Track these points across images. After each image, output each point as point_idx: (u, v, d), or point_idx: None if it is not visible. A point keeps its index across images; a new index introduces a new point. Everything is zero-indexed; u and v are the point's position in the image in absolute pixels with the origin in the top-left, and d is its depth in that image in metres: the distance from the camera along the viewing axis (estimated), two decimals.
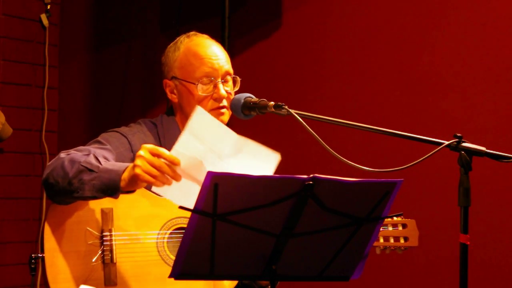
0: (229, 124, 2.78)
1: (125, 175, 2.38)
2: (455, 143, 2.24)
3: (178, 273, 2.08)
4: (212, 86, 2.75)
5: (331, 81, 4.09)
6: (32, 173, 4.73)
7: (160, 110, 4.46)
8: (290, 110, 2.45)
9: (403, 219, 2.89)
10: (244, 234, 2.08)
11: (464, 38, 3.76)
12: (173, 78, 2.80)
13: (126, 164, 2.42)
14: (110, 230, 2.58)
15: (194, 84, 2.75)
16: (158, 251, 2.61)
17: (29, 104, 4.75)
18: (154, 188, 2.34)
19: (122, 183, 2.39)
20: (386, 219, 2.86)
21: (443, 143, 2.26)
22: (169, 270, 2.10)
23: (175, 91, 2.80)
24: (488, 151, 2.24)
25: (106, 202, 2.56)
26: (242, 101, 2.59)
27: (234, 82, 2.80)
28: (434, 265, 3.77)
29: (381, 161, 3.80)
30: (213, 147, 2.27)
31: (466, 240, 2.17)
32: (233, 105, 2.62)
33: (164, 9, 4.65)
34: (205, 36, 2.85)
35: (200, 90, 2.74)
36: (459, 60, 3.77)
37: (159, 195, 2.55)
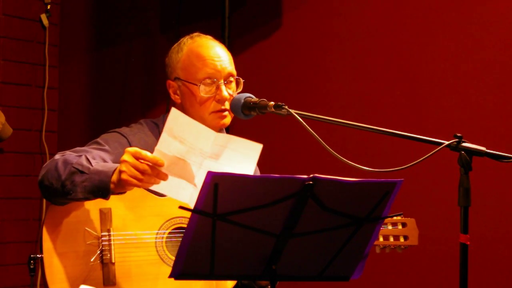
0: (229, 124, 2.79)
1: (114, 178, 2.39)
2: (455, 143, 2.24)
3: (178, 273, 2.08)
4: (214, 87, 2.74)
5: (331, 81, 4.09)
6: (32, 173, 4.73)
7: (160, 110, 4.46)
8: (290, 110, 2.44)
9: (403, 218, 2.89)
10: (244, 234, 2.08)
11: (464, 38, 3.76)
12: (176, 79, 2.79)
13: (116, 165, 2.42)
14: (108, 230, 2.58)
15: (196, 85, 2.73)
16: (157, 251, 2.61)
17: (29, 104, 4.75)
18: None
19: (112, 186, 2.40)
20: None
21: (443, 143, 2.26)
22: (168, 270, 2.10)
23: (178, 92, 2.80)
24: (488, 151, 2.24)
25: (104, 202, 2.56)
26: (242, 101, 2.58)
27: (237, 84, 2.79)
28: (434, 265, 3.77)
29: (381, 161, 3.80)
30: (194, 146, 2.28)
31: (466, 240, 2.16)
32: (233, 105, 2.61)
33: (164, 9, 4.65)
34: (209, 37, 2.84)
35: (203, 91, 2.73)
36: (459, 60, 3.77)
37: (157, 194, 2.56)
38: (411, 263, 3.79)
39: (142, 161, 2.31)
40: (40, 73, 4.81)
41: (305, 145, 4.00)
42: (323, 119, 2.45)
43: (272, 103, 2.50)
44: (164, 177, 2.31)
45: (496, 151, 2.25)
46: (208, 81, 2.73)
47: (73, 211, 2.58)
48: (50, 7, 4.81)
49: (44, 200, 4.72)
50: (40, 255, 2.57)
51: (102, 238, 2.58)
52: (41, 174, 2.55)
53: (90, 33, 4.93)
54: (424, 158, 2.27)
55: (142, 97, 4.72)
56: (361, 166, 2.32)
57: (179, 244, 2.07)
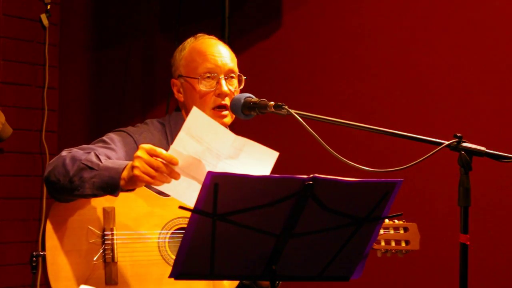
0: (229, 124, 2.79)
1: (125, 174, 2.39)
2: (455, 143, 2.24)
3: (178, 273, 2.08)
4: (215, 82, 2.76)
5: (331, 81, 4.09)
6: (32, 173, 4.73)
7: (159, 110, 4.46)
8: (290, 110, 2.45)
9: (405, 222, 2.89)
10: (244, 234, 2.08)
11: (464, 38, 3.76)
12: (179, 76, 2.81)
13: (126, 162, 2.42)
14: (111, 229, 2.58)
15: (197, 79, 2.76)
16: (160, 251, 2.61)
17: (29, 104, 4.75)
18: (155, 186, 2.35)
19: (122, 182, 2.40)
20: (387, 223, 2.86)
21: (443, 143, 2.26)
22: (170, 270, 2.10)
23: (181, 89, 2.82)
24: (488, 151, 2.24)
25: (108, 201, 2.56)
26: (242, 101, 2.59)
27: (239, 81, 2.81)
28: (434, 264, 3.77)
29: (381, 161, 3.80)
30: (211, 147, 2.28)
31: (466, 240, 2.17)
32: (233, 105, 2.62)
33: (164, 9, 4.65)
34: (212, 37, 2.87)
35: (203, 85, 2.75)
36: (459, 60, 3.77)
37: (161, 194, 2.55)
38: (411, 263, 3.79)
39: (156, 158, 2.31)
40: (40, 73, 4.81)
41: (305, 145, 4.00)
42: (323, 119, 2.45)
43: (272, 103, 2.51)
44: (176, 176, 2.31)
45: (496, 151, 2.25)
46: (209, 75, 2.75)
47: (76, 209, 2.58)
48: (50, 7, 4.81)
49: (44, 200, 4.72)
50: (42, 253, 2.56)
51: (105, 237, 2.58)
52: (47, 170, 2.54)
53: (90, 33, 4.93)
54: (424, 158, 2.27)
55: (142, 97, 4.72)
56: (361, 166, 2.32)
57: None
